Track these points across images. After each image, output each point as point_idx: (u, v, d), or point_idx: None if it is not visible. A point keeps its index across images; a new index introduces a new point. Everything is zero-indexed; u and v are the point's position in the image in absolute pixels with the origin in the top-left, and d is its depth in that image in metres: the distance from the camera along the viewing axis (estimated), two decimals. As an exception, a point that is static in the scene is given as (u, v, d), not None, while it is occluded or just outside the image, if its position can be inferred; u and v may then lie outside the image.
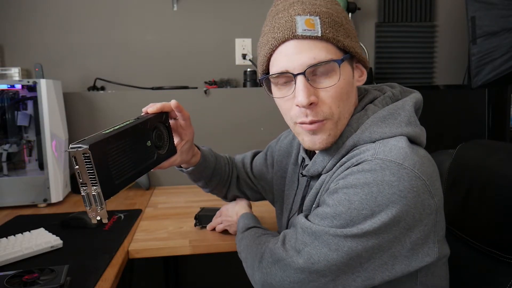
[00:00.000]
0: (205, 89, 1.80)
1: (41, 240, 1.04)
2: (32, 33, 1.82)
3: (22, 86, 1.47)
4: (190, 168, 0.98)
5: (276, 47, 0.70)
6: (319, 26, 0.67)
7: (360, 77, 0.76)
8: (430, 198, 0.62)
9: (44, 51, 1.83)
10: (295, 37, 0.68)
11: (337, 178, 0.68)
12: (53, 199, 1.48)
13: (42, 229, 1.12)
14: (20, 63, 1.79)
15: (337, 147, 0.73)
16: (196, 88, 1.83)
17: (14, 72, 1.69)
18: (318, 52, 0.67)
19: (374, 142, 0.69)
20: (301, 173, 0.84)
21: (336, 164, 0.73)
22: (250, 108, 1.81)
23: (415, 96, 0.76)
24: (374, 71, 2.12)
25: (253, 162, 1.10)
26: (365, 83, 0.79)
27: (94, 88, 1.81)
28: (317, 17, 0.68)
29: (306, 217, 0.70)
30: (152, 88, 1.81)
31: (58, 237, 1.07)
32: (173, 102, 0.85)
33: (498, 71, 1.80)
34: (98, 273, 0.92)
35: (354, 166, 0.65)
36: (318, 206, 0.73)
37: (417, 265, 0.63)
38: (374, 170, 0.62)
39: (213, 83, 1.87)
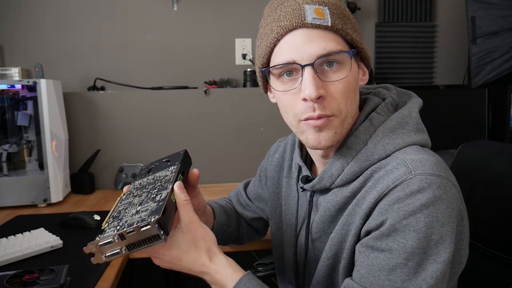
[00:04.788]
0: (205, 89, 1.80)
1: (41, 240, 1.04)
2: (32, 33, 1.82)
3: (22, 86, 1.47)
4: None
5: (282, 36, 0.65)
6: (328, 16, 0.64)
7: (363, 76, 0.72)
8: (461, 203, 0.63)
9: (44, 51, 1.83)
10: (304, 25, 0.63)
11: (369, 206, 0.62)
12: (53, 199, 1.48)
13: (42, 229, 1.13)
14: (20, 63, 1.79)
15: (345, 161, 0.68)
16: (196, 88, 1.83)
17: (14, 72, 1.69)
18: (328, 42, 0.63)
19: (389, 155, 0.66)
20: (302, 187, 0.77)
21: (351, 181, 0.68)
22: (250, 108, 1.81)
23: (417, 101, 0.74)
24: (374, 71, 2.12)
25: (247, 189, 1.04)
26: (366, 83, 0.77)
27: (94, 88, 1.81)
28: (326, 7, 0.64)
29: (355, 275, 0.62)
30: (152, 88, 1.81)
31: (58, 237, 1.07)
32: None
33: (498, 71, 1.80)
34: (98, 273, 0.92)
35: (392, 189, 0.60)
36: (331, 223, 0.71)
37: (458, 271, 0.65)
38: (423, 188, 0.58)
39: (213, 83, 1.87)
